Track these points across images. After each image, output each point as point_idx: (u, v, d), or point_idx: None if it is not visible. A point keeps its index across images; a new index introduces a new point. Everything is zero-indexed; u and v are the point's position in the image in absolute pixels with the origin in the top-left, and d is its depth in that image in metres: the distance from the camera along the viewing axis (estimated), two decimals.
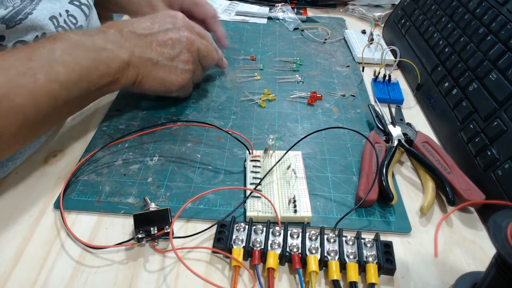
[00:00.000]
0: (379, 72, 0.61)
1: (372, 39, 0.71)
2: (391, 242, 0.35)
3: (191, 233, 0.36)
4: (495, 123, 0.42)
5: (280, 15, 0.82)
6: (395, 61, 0.63)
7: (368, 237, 0.36)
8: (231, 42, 0.68)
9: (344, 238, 0.35)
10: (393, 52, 0.67)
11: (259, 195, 0.39)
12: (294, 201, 0.39)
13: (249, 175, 0.42)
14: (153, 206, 0.38)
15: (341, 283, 0.33)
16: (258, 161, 0.44)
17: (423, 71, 0.59)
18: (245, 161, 0.45)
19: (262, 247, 0.34)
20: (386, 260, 0.34)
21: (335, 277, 0.33)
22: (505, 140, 0.41)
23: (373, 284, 0.32)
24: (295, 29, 0.78)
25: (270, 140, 0.49)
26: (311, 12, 0.87)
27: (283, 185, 0.41)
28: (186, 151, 0.46)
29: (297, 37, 0.75)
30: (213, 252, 0.36)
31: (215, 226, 0.37)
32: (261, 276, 0.34)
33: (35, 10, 0.42)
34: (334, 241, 0.35)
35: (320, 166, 0.45)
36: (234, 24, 0.79)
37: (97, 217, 0.38)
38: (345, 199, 0.41)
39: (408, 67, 0.63)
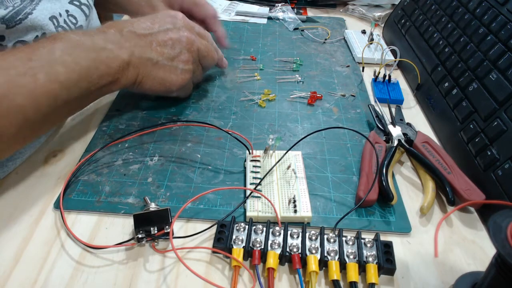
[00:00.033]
0: (379, 72, 0.61)
1: (372, 39, 0.71)
2: (391, 242, 0.35)
3: (191, 233, 0.36)
4: (495, 123, 0.42)
5: (280, 15, 0.82)
6: (395, 61, 0.63)
7: (368, 237, 0.36)
8: (231, 42, 0.68)
9: (344, 238, 0.35)
10: (393, 52, 0.67)
11: (259, 195, 0.39)
12: (294, 201, 0.39)
13: (249, 175, 0.42)
14: (153, 206, 0.38)
15: (341, 283, 0.33)
16: (258, 161, 0.44)
17: (423, 71, 0.59)
18: (245, 161, 0.45)
19: (262, 247, 0.34)
20: (386, 260, 0.34)
21: (335, 277, 0.33)
22: (505, 140, 0.41)
23: (373, 284, 0.32)
24: (295, 29, 0.78)
25: (270, 140, 0.49)
26: (311, 12, 0.87)
27: (283, 185, 0.41)
28: (186, 151, 0.46)
29: (297, 37, 0.75)
30: (213, 252, 0.36)
31: (215, 226, 0.37)
32: (261, 276, 0.34)
33: (35, 10, 0.42)
34: (334, 241, 0.35)
35: (320, 166, 0.45)
36: (234, 24, 0.79)
37: (97, 217, 0.38)
38: (345, 199, 0.41)
39: (408, 67, 0.63)
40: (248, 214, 0.38)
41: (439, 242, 0.38)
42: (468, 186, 0.41)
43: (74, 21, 0.48)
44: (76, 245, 0.36)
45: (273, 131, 0.50)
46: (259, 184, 0.41)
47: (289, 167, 0.43)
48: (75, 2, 0.49)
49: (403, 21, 0.71)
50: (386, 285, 0.34)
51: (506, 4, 0.49)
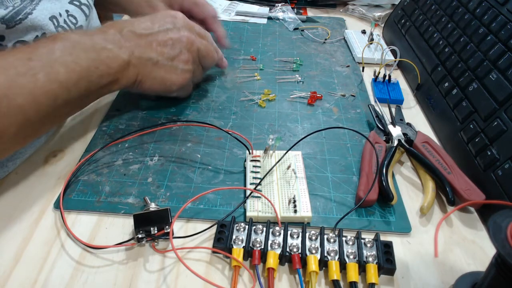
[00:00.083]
0: (379, 72, 0.61)
1: (372, 39, 0.71)
2: (391, 242, 0.35)
3: (191, 233, 0.36)
4: (495, 123, 0.42)
5: (280, 15, 0.82)
6: (395, 61, 0.63)
7: (368, 237, 0.36)
8: (231, 42, 0.68)
9: (344, 238, 0.35)
10: (393, 52, 0.67)
11: (259, 195, 0.39)
12: (294, 201, 0.39)
13: (249, 175, 0.42)
14: (153, 206, 0.38)
15: (341, 283, 0.33)
16: (258, 161, 0.44)
17: (423, 71, 0.59)
18: (245, 161, 0.45)
19: (262, 247, 0.34)
20: (386, 260, 0.34)
21: (335, 277, 0.33)
22: (505, 140, 0.41)
23: (373, 284, 0.32)
24: (295, 29, 0.78)
25: (270, 140, 0.49)
26: (311, 12, 0.87)
27: (283, 185, 0.41)
28: (186, 151, 0.46)
29: (297, 37, 0.75)
30: (213, 252, 0.36)
31: (215, 226, 0.37)
32: (261, 276, 0.34)
33: (35, 10, 0.42)
34: (334, 241, 0.35)
35: (320, 166, 0.45)
36: (234, 24, 0.79)
37: (97, 217, 0.38)
38: (345, 199, 0.41)
39: (408, 67, 0.63)
40: (248, 214, 0.38)
41: (439, 242, 0.38)
42: (468, 186, 0.41)
43: (74, 21, 0.48)
44: (76, 245, 0.36)
45: (273, 131, 0.50)
46: (259, 184, 0.41)
47: (289, 167, 0.43)
48: (75, 2, 0.49)
49: (403, 21, 0.71)
50: (386, 285, 0.34)
51: (506, 4, 0.49)
